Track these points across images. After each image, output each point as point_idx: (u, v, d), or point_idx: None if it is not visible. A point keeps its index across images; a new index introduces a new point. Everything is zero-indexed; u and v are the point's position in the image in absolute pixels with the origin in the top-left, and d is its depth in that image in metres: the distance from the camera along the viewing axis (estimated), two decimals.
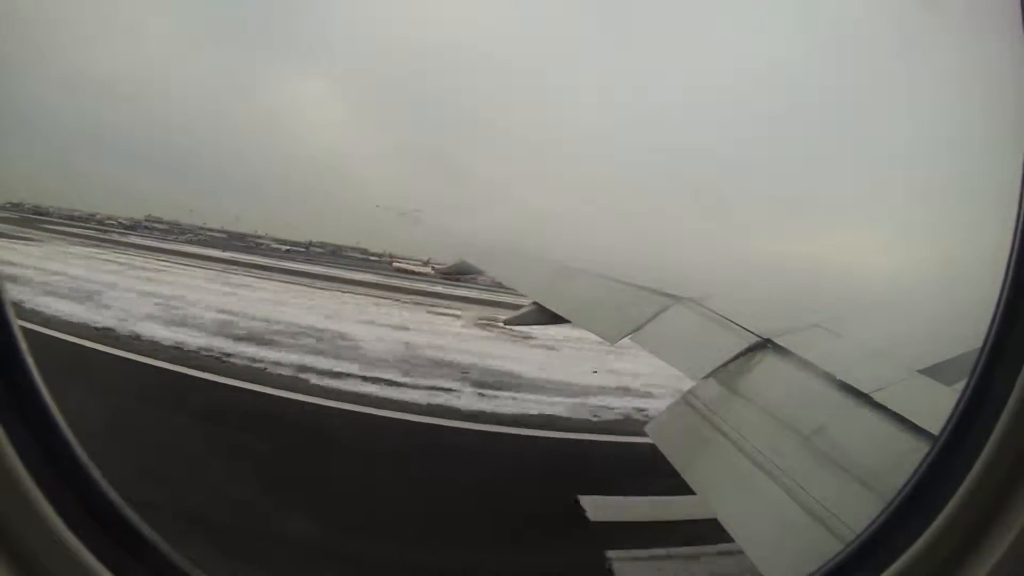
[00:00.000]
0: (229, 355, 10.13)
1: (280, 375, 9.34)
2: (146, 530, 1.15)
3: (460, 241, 9.75)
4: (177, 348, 10.14)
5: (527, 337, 16.07)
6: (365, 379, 9.63)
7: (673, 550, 4.77)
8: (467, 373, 11.08)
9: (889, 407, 2.00)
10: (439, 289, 29.84)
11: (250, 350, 10.61)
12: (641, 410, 9.62)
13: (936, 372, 2.08)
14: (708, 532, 3.66)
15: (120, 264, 21.60)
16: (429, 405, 8.69)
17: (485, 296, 28.20)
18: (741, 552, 1.90)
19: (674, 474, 2.42)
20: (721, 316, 3.36)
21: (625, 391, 10.99)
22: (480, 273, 8.47)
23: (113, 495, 1.13)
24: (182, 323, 12.26)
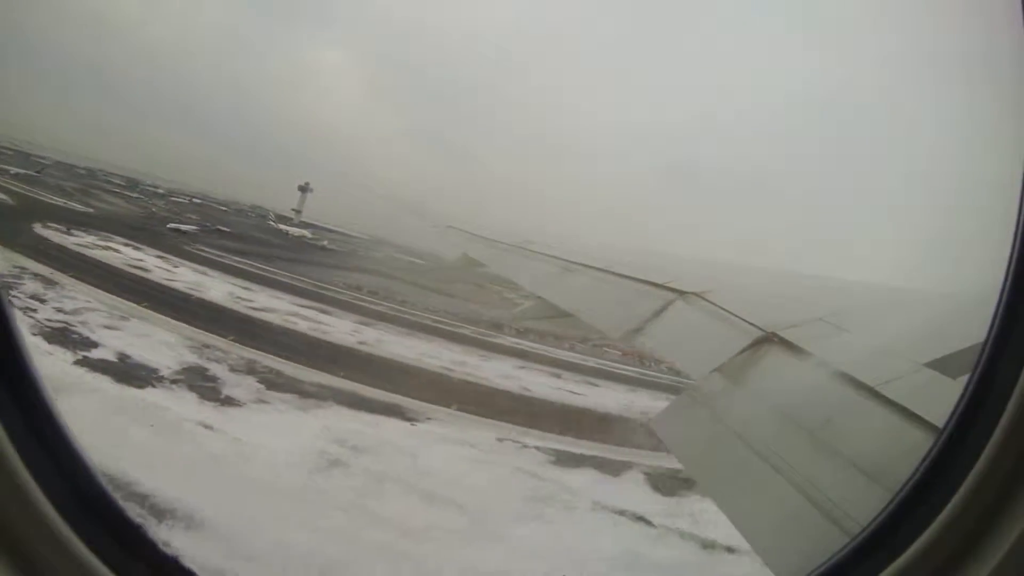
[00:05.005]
0: None
1: None
2: (146, 529, 1.15)
3: (464, 232, 9.74)
4: None
5: None
6: None
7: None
8: None
9: (894, 400, 1.99)
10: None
11: None
12: None
13: (942, 365, 2.06)
14: None
15: None
16: None
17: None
18: None
19: None
20: (725, 310, 3.35)
21: None
22: (484, 266, 8.46)
23: (114, 494, 1.13)
24: None
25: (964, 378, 1.32)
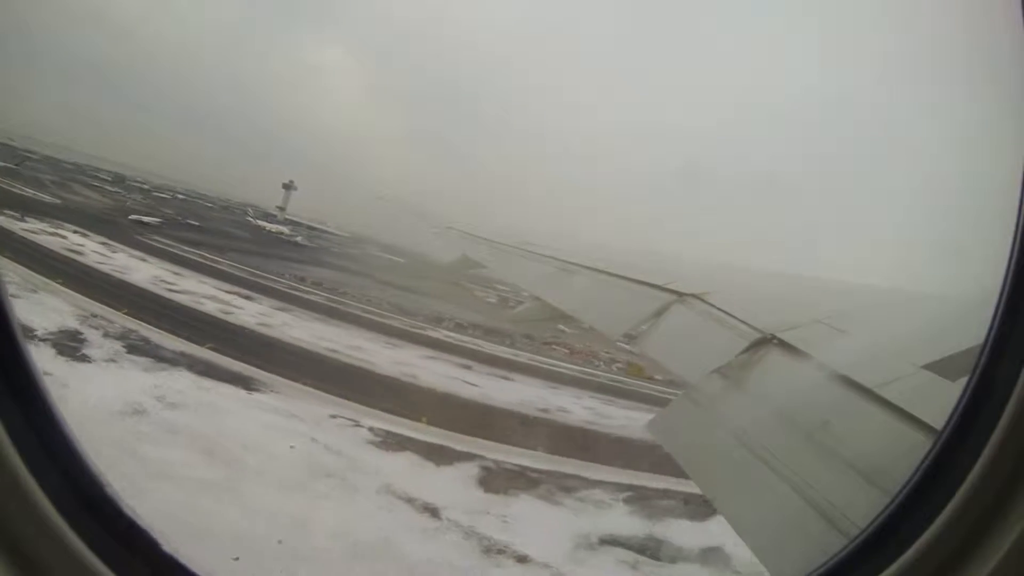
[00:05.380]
0: None
1: None
2: (146, 527, 1.15)
3: (464, 233, 9.72)
4: None
5: None
6: None
7: None
8: None
9: (893, 402, 1.99)
10: None
11: None
12: None
13: (941, 367, 2.06)
14: None
15: None
16: None
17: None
18: None
19: None
20: (724, 312, 3.34)
21: None
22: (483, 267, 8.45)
23: (114, 493, 1.13)
24: None
25: (962, 380, 1.32)
